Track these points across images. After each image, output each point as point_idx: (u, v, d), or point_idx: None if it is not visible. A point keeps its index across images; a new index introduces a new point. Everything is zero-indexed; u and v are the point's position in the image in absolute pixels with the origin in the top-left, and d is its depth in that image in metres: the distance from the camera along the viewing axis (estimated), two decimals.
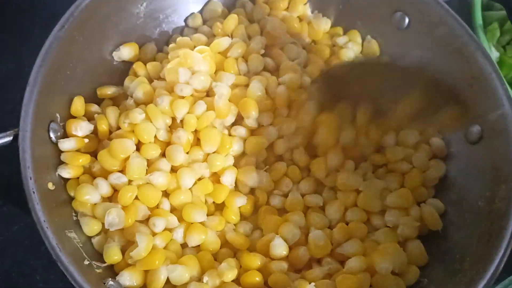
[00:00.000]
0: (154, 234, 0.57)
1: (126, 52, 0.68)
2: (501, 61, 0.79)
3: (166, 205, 0.60)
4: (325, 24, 0.74)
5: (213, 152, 0.62)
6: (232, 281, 0.56)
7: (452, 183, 0.65)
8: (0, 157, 0.66)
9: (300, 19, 0.74)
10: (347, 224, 0.62)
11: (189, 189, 0.60)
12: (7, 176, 0.68)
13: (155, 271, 0.55)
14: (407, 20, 0.70)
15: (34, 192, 0.50)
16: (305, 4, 0.74)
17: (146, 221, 0.58)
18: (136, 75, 0.68)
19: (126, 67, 0.69)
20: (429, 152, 0.67)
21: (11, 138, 0.53)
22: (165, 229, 0.58)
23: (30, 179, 0.51)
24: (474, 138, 0.64)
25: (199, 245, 0.59)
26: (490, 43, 0.79)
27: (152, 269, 0.55)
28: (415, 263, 0.60)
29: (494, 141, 0.62)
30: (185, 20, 0.74)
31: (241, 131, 0.64)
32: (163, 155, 0.61)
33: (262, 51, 0.69)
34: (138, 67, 0.68)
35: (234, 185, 0.63)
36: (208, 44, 0.68)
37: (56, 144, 0.58)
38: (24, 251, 0.66)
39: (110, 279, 0.53)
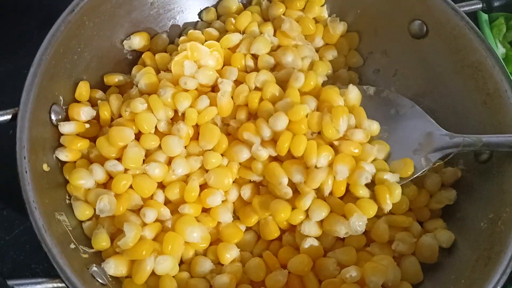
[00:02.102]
0: (144, 224, 0.57)
1: (137, 41, 0.68)
2: (507, 57, 0.77)
3: (160, 196, 0.59)
4: (341, 28, 0.72)
5: (210, 150, 0.61)
6: None
7: (456, 201, 0.63)
8: (0, 160, 0.68)
9: (316, 20, 0.73)
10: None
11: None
12: (7, 180, 0.67)
13: (141, 261, 0.54)
14: (425, 29, 0.68)
15: (26, 172, 0.51)
16: (322, 5, 0.73)
17: (138, 211, 0.58)
18: (145, 65, 0.68)
19: (136, 56, 0.69)
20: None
21: (9, 116, 0.53)
22: (156, 220, 0.58)
23: (24, 158, 0.51)
24: (484, 157, 0.62)
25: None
26: (496, 38, 0.77)
27: (139, 259, 0.54)
28: (409, 280, 0.58)
29: (504, 162, 0.59)
30: (199, 14, 0.74)
31: None
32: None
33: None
34: (147, 57, 0.68)
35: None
36: (219, 39, 0.67)
37: (56, 126, 0.58)
38: (24, 255, 0.66)
39: (94, 265, 0.53)
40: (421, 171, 0.60)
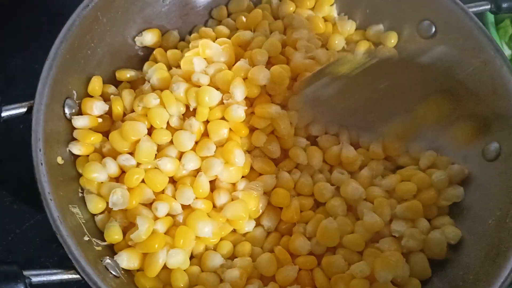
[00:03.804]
0: (156, 218, 0.57)
1: (149, 38, 0.69)
2: None
3: (170, 191, 0.60)
4: (350, 27, 0.73)
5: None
6: None
7: (464, 198, 0.63)
8: (12, 154, 0.69)
9: (325, 19, 0.74)
10: None
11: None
12: (18, 173, 0.69)
13: (153, 254, 0.55)
14: (433, 29, 0.69)
15: (42, 164, 0.51)
16: (332, 5, 0.74)
17: (150, 205, 0.58)
18: (156, 61, 0.68)
19: (147, 53, 0.70)
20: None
21: (25, 109, 0.54)
22: (168, 215, 0.58)
23: (40, 150, 0.52)
24: (491, 156, 0.63)
25: None
26: (502, 40, 0.78)
27: (151, 252, 0.55)
28: (417, 276, 0.58)
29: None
30: (210, 12, 0.74)
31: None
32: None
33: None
34: (159, 53, 0.68)
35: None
36: (230, 37, 0.68)
37: (70, 120, 0.59)
38: (35, 248, 0.66)
39: (108, 257, 0.53)
40: None
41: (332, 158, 0.65)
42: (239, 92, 0.60)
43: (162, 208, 0.57)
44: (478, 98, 0.60)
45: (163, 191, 0.60)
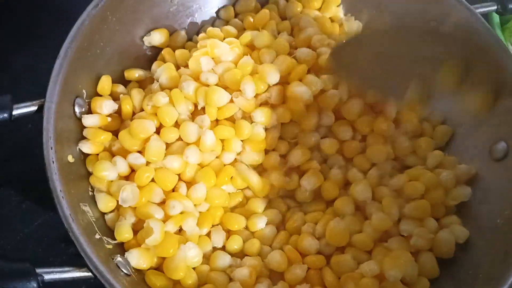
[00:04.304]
0: (167, 217, 0.57)
1: (157, 37, 0.69)
2: None
3: (183, 189, 0.60)
4: (356, 27, 0.74)
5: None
6: None
7: (471, 198, 0.63)
8: (20, 154, 0.69)
9: (332, 20, 0.74)
10: None
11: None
12: (27, 173, 0.67)
13: (173, 256, 0.55)
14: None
15: (53, 162, 0.51)
16: (338, 5, 0.74)
17: (160, 204, 0.58)
18: (164, 61, 0.68)
19: (155, 52, 0.70)
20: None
21: (36, 108, 0.54)
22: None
23: (51, 148, 0.52)
24: (499, 155, 0.63)
25: None
26: (507, 41, 0.78)
27: (168, 256, 0.55)
28: (426, 275, 0.58)
29: None
30: (217, 12, 0.75)
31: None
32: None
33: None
34: (167, 53, 0.69)
35: None
36: (237, 37, 0.68)
37: (79, 119, 0.59)
38: (43, 248, 0.66)
39: (119, 255, 0.53)
40: None
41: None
42: (249, 89, 0.60)
43: (178, 206, 0.57)
44: (489, 67, 0.60)
45: (174, 189, 0.60)
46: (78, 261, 0.49)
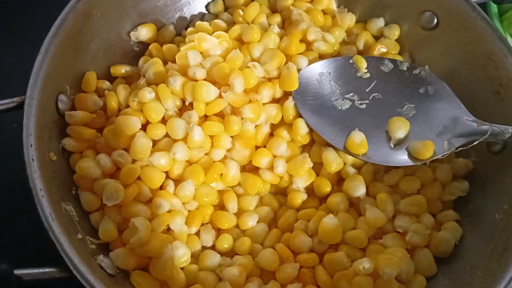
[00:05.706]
0: (154, 216, 0.56)
1: (144, 33, 0.68)
2: None
3: (171, 187, 0.58)
4: (349, 20, 0.72)
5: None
6: None
7: (469, 192, 0.62)
8: (5, 153, 0.68)
9: (325, 12, 0.72)
10: None
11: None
12: (11, 172, 0.67)
13: (160, 256, 0.53)
14: (435, 21, 0.67)
15: (33, 160, 0.50)
16: None
17: (147, 202, 0.57)
18: (152, 56, 0.67)
19: (142, 48, 0.69)
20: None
21: (15, 104, 0.52)
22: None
23: (31, 146, 0.50)
24: (497, 148, 0.61)
25: None
26: (506, 31, 0.76)
27: (155, 256, 0.53)
28: (423, 272, 0.57)
29: None
30: (207, 6, 0.73)
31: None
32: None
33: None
34: (154, 48, 0.67)
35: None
36: (227, 31, 0.67)
37: (63, 116, 0.58)
38: (26, 248, 0.64)
39: (102, 255, 0.52)
40: (442, 154, 0.59)
41: None
42: (239, 83, 0.59)
43: (165, 205, 0.55)
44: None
45: (161, 187, 0.58)
46: (62, 260, 0.47)
